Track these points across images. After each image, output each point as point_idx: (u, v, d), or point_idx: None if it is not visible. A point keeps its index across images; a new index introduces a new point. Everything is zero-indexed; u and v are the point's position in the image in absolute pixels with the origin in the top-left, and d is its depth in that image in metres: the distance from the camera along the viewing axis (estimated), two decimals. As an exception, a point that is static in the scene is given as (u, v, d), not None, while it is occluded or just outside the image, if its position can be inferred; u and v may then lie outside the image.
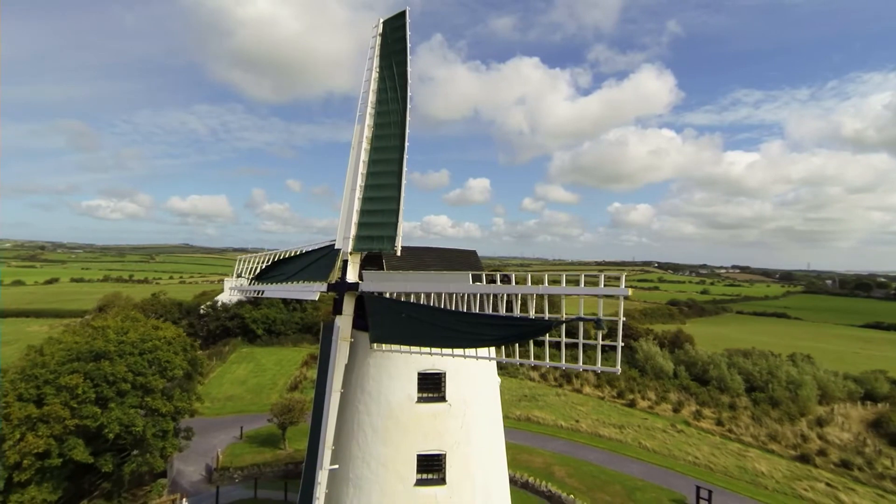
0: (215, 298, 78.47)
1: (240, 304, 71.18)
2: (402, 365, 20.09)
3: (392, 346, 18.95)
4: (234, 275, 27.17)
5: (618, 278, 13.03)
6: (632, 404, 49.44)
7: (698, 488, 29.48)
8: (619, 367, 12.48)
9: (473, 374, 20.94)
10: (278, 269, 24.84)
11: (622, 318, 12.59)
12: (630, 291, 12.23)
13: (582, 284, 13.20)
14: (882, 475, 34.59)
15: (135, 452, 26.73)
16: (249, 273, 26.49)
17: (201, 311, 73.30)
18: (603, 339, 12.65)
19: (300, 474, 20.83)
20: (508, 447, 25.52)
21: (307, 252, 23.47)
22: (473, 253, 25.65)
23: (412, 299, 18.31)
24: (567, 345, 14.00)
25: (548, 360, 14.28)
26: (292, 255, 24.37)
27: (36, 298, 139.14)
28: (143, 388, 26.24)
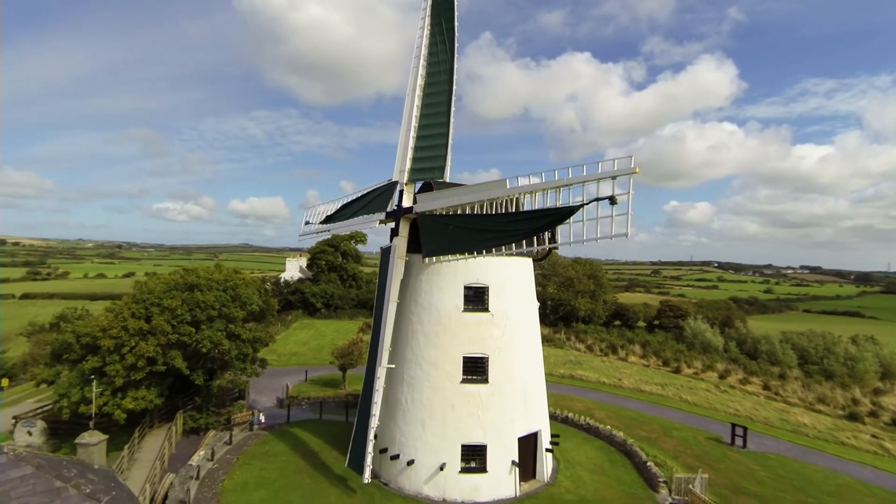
0: (279, 276, 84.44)
1: (300, 280, 76.55)
2: (450, 279, 22.87)
3: (442, 258, 21.81)
4: (304, 223, 30.85)
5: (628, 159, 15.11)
6: (677, 371, 50.07)
7: (734, 426, 30.53)
8: (629, 229, 14.62)
9: (514, 289, 23.52)
10: (342, 212, 28.19)
11: (631, 192, 14.75)
12: (638, 169, 14.43)
13: (598, 168, 15.41)
14: (935, 432, 34.08)
15: (220, 372, 30.92)
16: (317, 217, 29.90)
17: (266, 287, 79.40)
18: (613, 203, 14.64)
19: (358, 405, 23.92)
20: (550, 396, 27.89)
21: (368, 192, 26.63)
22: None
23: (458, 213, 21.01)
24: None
25: (571, 238, 16.53)
26: (355, 197, 27.60)
27: (117, 286, 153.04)
28: (227, 317, 30.35)
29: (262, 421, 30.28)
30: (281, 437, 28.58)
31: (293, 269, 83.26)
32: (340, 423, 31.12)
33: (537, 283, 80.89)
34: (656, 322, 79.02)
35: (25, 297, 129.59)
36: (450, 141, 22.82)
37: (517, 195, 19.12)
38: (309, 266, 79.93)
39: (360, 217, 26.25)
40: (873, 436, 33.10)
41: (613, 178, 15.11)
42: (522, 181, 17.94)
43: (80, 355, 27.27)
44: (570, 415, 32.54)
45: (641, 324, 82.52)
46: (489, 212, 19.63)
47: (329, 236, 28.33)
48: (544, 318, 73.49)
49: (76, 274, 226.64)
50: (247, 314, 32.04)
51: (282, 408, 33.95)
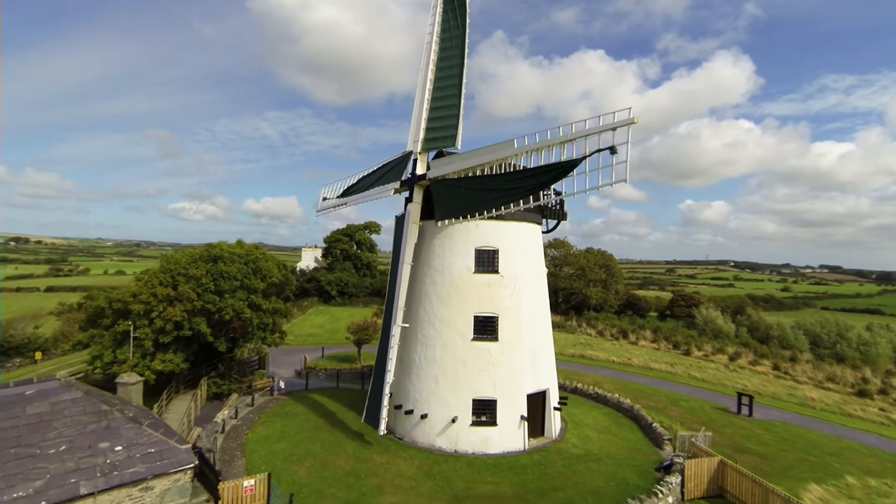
0: (295, 265, 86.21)
1: (316, 269, 78.21)
2: (461, 243, 23.95)
3: (454, 220, 22.90)
4: (321, 198, 32.13)
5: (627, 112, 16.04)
6: (687, 353, 50.54)
7: (740, 395, 31.14)
8: (627, 175, 15.55)
9: (523, 253, 24.50)
10: (359, 185, 29.39)
11: (630, 141, 15.68)
12: (636, 119, 15.36)
13: (599, 122, 16.37)
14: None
15: (241, 341, 32.37)
16: (334, 192, 31.11)
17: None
18: (613, 153, 15.60)
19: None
20: (560, 372, 28.86)
21: (382, 165, 27.82)
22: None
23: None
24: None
25: (575, 187, 17.49)
26: (371, 171, 28.79)
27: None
28: (248, 288, 31.77)
29: (282, 387, 31.64)
30: (300, 400, 29.89)
31: (308, 259, 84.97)
32: (356, 390, 32.34)
33: (550, 273, 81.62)
34: (668, 312, 79.20)
35: (50, 289, 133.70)
36: (461, 112, 23.89)
37: (521, 158, 20.15)
38: (324, 255, 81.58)
39: (376, 188, 27.46)
40: (881, 409, 33.44)
41: (613, 129, 16.06)
42: (529, 139, 18.94)
43: (113, 320, 28.89)
44: (579, 385, 33.40)
45: (653, 313, 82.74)
46: (498, 173, 20.67)
47: (347, 207, 29.50)
48: (556, 307, 74.16)
49: (96, 270, 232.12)
50: (267, 286, 33.46)
51: (300, 378, 35.31)
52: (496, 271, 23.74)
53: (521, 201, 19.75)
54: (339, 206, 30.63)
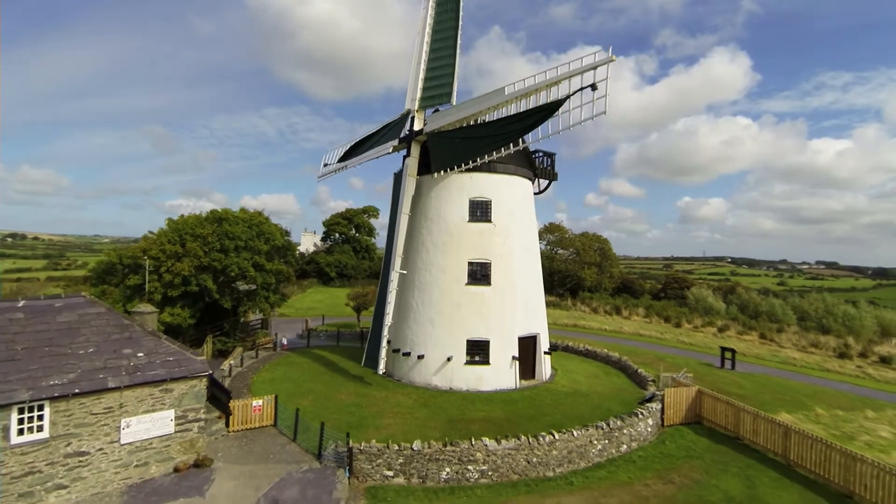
0: (295, 250, 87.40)
1: (315, 251, 79.43)
2: (456, 194, 25.31)
3: (451, 172, 24.22)
4: (322, 164, 33.43)
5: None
6: (677, 325, 51.98)
7: (723, 349, 32.57)
8: (606, 108, 16.88)
9: (514, 205, 25.85)
10: (358, 148, 30.69)
11: (609, 77, 17.03)
12: (614, 57, 16.70)
13: (581, 62, 17.71)
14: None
15: (245, 300, 33.66)
16: (335, 157, 32.39)
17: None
18: (594, 89, 16.96)
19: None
20: (553, 337, 30.12)
21: (381, 128, 29.15)
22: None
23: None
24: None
25: (560, 125, 18.81)
26: (369, 133, 30.08)
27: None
28: (253, 249, 33.03)
29: (285, 343, 32.98)
30: (302, 354, 31.25)
31: (308, 244, 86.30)
32: (356, 347, 33.65)
33: (546, 256, 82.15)
34: (662, 294, 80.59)
35: (50, 279, 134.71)
36: (456, 71, 25.23)
37: (512, 106, 21.47)
38: (324, 239, 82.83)
39: (376, 148, 28.77)
40: (858, 366, 34.92)
41: (594, 68, 17.40)
42: (519, 86, 20.28)
43: (123, 275, 30.16)
44: (571, 344, 34.80)
45: (647, 296, 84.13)
46: (490, 120, 22.01)
47: (347, 170, 30.75)
48: (552, 289, 75.49)
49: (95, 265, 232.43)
50: (270, 248, 34.73)
51: (302, 339, 36.63)
52: (489, 220, 25.10)
53: (512, 144, 21.07)
54: (339, 169, 31.92)
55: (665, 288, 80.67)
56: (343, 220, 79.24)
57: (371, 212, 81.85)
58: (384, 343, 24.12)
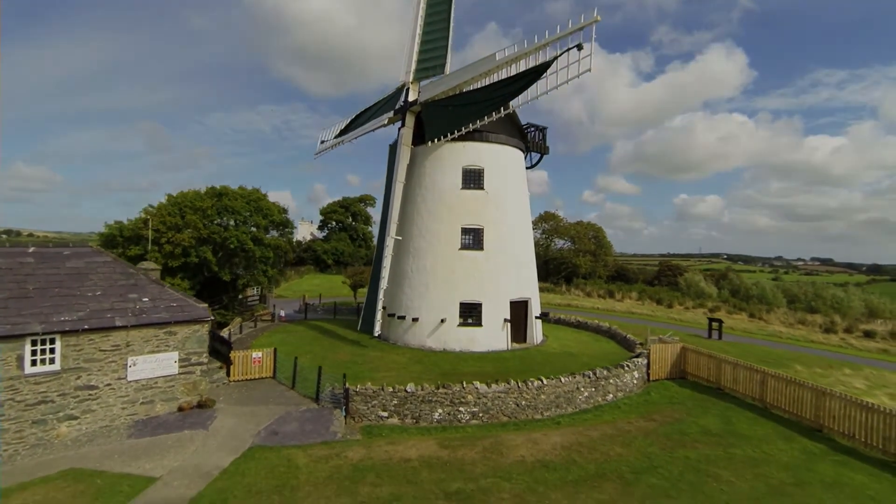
0: (292, 237, 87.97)
1: (313, 239, 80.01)
2: (449, 163, 26.05)
3: (445, 139, 24.94)
4: (319, 142, 34.10)
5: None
6: (669, 307, 52.89)
7: (710, 320, 33.43)
8: (591, 65, 17.64)
9: (506, 174, 26.63)
10: (355, 122, 31.36)
11: (594, 36, 17.77)
12: (598, 16, 17.44)
13: (569, 24, 18.46)
14: (903, 339, 36.72)
15: (245, 273, 34.36)
16: (332, 134, 33.04)
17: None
18: (580, 49, 17.71)
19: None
20: (544, 318, 30.78)
21: (375, 103, 29.86)
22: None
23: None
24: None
25: (547, 86, 19.56)
26: (364, 109, 30.77)
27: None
28: (250, 223, 33.70)
29: (283, 315, 33.70)
30: (300, 324, 31.97)
31: (304, 232, 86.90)
32: (353, 320, 34.34)
33: (541, 244, 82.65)
34: (655, 281, 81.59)
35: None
36: (450, 42, 25.93)
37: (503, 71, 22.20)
38: (320, 227, 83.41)
39: (371, 122, 29.46)
40: (842, 338, 35.86)
41: (581, 28, 18.15)
42: (508, 51, 21.02)
43: (124, 247, 30.77)
44: (562, 316, 35.62)
45: (641, 283, 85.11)
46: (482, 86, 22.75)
47: (344, 145, 31.43)
48: (546, 277, 76.36)
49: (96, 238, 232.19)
50: (268, 224, 35.41)
51: (299, 313, 37.33)
52: (482, 188, 25.85)
53: (502, 108, 21.80)
54: (336, 144, 32.59)
55: (659, 275, 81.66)
56: (340, 209, 79.84)
57: (368, 200, 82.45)
58: (379, 307, 24.86)
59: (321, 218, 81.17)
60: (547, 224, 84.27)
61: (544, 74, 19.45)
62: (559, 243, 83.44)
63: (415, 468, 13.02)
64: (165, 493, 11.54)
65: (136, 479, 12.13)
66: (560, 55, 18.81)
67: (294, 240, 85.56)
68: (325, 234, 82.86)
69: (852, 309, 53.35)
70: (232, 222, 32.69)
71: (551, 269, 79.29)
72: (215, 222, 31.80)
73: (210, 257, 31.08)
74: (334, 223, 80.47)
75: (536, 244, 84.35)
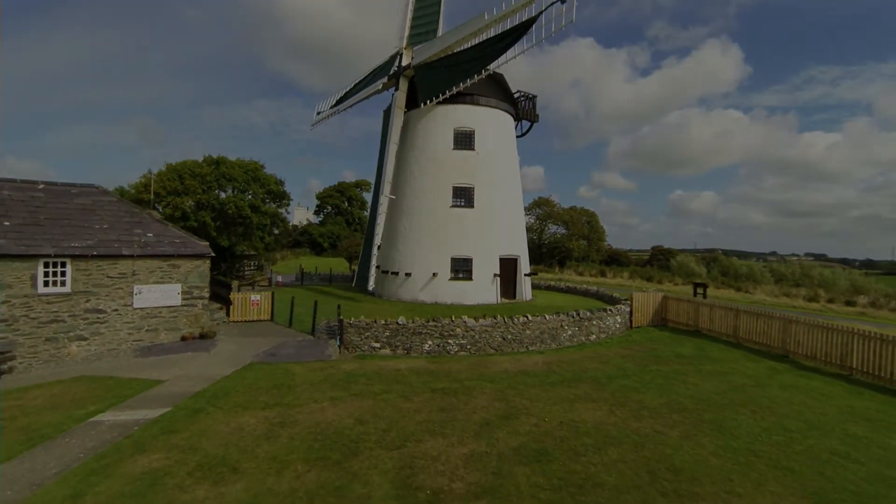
0: (288, 208, 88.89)
1: (309, 223, 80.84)
2: (441, 125, 26.92)
3: (436, 100, 25.79)
4: (315, 113, 34.89)
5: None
6: (660, 282, 53.99)
7: (695, 284, 34.45)
8: (574, 14, 18.58)
9: (496, 136, 27.51)
10: (350, 92, 32.18)
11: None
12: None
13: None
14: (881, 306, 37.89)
15: (242, 241, 35.20)
16: (327, 105, 33.85)
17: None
18: (563, 2, 18.63)
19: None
20: (535, 287, 31.72)
21: (371, 72, 30.67)
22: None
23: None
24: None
25: (534, 39, 20.47)
26: (360, 79, 31.60)
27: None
28: (248, 192, 34.54)
29: (280, 280, 34.59)
30: (297, 288, 32.88)
31: (300, 217, 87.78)
32: (348, 285, 35.36)
33: (535, 229, 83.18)
34: (647, 264, 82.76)
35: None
36: (442, 8, 26.85)
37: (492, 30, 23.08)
38: (316, 212, 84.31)
39: (366, 89, 30.33)
40: (824, 305, 36.96)
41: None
42: (497, 10, 21.91)
43: (125, 211, 31.57)
44: (553, 283, 36.62)
45: (633, 266, 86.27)
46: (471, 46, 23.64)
47: (338, 115, 32.24)
48: (540, 260, 77.40)
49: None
50: (265, 193, 36.27)
51: (297, 280, 38.26)
52: (472, 148, 26.76)
53: (491, 65, 22.69)
54: (332, 114, 33.45)
55: (651, 259, 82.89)
56: (336, 193, 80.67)
57: (363, 185, 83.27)
58: (374, 262, 25.80)
59: (317, 203, 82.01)
60: (541, 209, 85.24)
61: (530, 29, 20.34)
62: (553, 229, 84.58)
63: (404, 374, 14.00)
64: (172, 389, 12.46)
65: (144, 381, 13.05)
66: (545, 10, 19.72)
67: (290, 223, 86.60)
68: (321, 218, 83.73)
69: (837, 286, 54.53)
70: (230, 190, 33.53)
71: (545, 254, 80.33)
72: (214, 190, 32.63)
73: (209, 222, 31.93)
74: (330, 208, 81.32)
75: (530, 229, 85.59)
